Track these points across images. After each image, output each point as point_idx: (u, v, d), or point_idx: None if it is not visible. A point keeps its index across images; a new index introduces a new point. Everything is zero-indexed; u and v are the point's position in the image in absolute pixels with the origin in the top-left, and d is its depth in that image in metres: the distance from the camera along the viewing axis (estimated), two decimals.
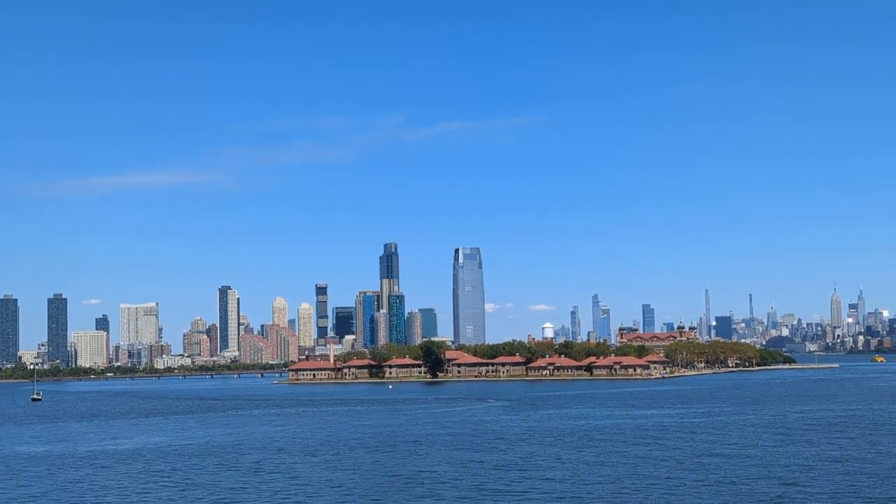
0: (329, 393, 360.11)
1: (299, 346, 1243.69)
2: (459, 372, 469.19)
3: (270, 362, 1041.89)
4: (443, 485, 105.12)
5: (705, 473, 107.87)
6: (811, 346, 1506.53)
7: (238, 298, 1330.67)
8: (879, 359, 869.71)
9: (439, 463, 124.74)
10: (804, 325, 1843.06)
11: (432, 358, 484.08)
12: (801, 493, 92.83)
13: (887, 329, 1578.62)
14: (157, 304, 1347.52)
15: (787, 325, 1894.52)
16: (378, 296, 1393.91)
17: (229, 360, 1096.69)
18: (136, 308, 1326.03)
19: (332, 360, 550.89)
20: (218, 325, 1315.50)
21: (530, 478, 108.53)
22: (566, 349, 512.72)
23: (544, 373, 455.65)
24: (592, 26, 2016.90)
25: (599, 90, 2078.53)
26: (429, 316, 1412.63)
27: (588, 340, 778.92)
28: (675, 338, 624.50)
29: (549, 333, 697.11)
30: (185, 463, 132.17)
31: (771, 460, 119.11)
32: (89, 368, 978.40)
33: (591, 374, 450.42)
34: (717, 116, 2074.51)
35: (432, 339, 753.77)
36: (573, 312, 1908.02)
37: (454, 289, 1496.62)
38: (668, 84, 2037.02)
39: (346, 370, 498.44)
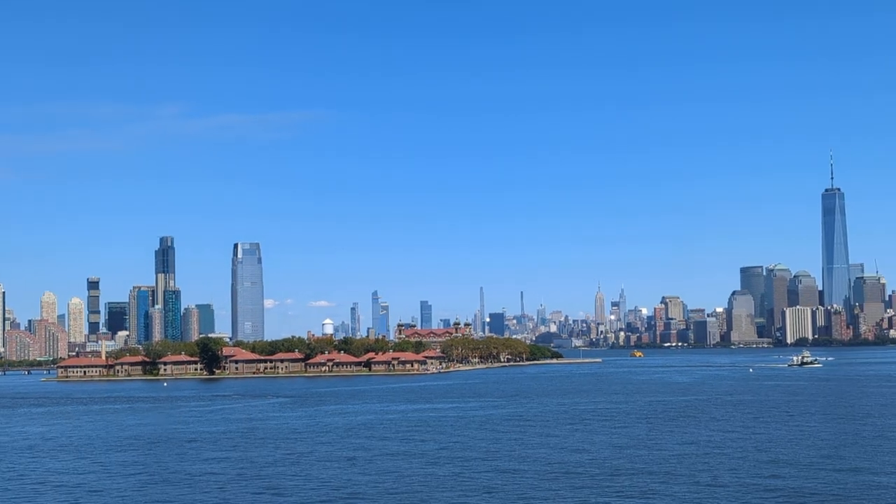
0: (100, 391, 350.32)
1: (69, 343, 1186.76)
2: (237, 369, 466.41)
3: (38, 359, 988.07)
4: (213, 481, 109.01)
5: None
6: (577, 342, 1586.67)
7: (3, 292, 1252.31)
8: (638, 353, 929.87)
9: (210, 460, 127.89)
10: (571, 322, 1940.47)
11: (209, 354, 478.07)
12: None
13: (645, 325, 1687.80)
14: None
15: (555, 322, 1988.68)
16: (153, 291, 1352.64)
17: None
18: None
19: (103, 357, 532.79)
20: None
21: (303, 475, 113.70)
22: (346, 345, 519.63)
23: (323, 369, 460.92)
24: (371, 16, 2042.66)
25: (376, 84, 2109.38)
26: (206, 312, 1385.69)
27: (367, 336, 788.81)
28: (451, 334, 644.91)
29: (329, 330, 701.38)
30: None
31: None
32: None
33: (370, 369, 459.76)
34: (493, 109, 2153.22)
35: (209, 335, 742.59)
36: (353, 309, 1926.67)
37: (233, 284, 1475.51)
38: (442, 76, 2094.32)
39: (118, 367, 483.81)
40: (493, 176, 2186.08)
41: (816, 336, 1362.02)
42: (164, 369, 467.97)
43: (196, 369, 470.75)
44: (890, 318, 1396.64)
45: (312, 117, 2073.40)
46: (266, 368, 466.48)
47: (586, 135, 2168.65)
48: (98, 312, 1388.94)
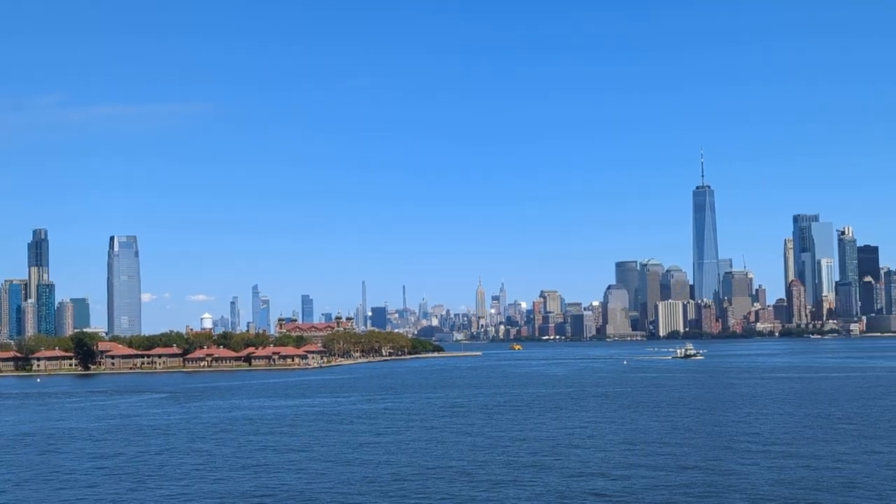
0: None
1: None
2: (114, 364, 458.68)
3: None
4: (85, 477, 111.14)
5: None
6: (458, 335, 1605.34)
7: None
8: (517, 347, 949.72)
9: (76, 460, 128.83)
10: (452, 316, 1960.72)
11: (84, 349, 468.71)
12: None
13: (525, 319, 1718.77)
14: None
15: (437, 316, 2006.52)
16: (26, 284, 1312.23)
17: None
18: None
19: None
20: None
21: (170, 471, 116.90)
22: (225, 340, 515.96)
23: (202, 364, 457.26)
24: (264, 12, 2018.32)
25: (266, 80, 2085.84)
26: (81, 306, 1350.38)
27: (247, 331, 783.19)
28: (333, 328, 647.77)
29: (208, 324, 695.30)
30: None
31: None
32: None
33: (250, 364, 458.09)
34: (375, 95, 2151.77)
35: (85, 329, 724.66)
36: (233, 303, 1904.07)
37: (109, 278, 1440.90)
38: (327, 79, 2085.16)
39: None
40: (374, 166, 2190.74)
41: (687, 329, 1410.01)
42: (38, 365, 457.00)
43: (71, 365, 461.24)
44: (757, 312, 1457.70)
45: (192, 110, 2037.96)
46: (143, 364, 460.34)
47: (463, 124, 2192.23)
48: None
